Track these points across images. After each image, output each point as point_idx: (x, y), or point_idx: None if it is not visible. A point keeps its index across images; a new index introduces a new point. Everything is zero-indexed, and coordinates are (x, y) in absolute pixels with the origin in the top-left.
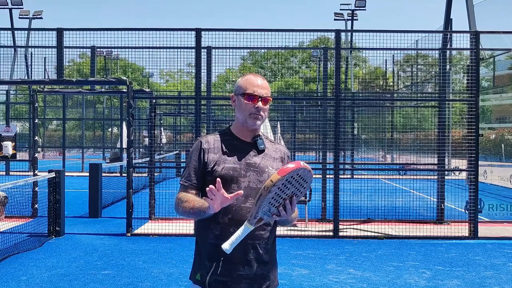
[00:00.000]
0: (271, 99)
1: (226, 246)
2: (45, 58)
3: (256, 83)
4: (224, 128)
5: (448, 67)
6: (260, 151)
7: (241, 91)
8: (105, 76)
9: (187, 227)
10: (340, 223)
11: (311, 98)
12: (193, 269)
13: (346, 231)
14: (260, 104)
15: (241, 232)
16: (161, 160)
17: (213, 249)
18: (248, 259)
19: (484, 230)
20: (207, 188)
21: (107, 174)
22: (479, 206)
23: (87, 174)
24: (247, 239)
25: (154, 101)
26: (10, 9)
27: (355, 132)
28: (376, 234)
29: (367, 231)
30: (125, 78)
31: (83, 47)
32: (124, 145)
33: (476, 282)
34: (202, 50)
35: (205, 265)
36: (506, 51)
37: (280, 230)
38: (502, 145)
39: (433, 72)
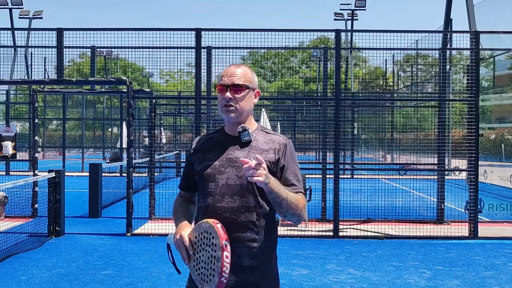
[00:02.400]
0: (244, 87)
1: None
2: (45, 58)
3: (225, 72)
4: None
5: (448, 67)
6: (244, 144)
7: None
8: (105, 76)
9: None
10: (340, 223)
11: (311, 98)
12: None
13: (346, 231)
14: (227, 94)
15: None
16: (161, 160)
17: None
18: None
19: (484, 230)
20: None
21: (107, 174)
22: (479, 206)
23: (87, 174)
24: None
25: (154, 101)
26: (10, 9)
27: (355, 132)
28: (376, 234)
29: (367, 231)
30: (125, 78)
31: (83, 47)
32: (124, 145)
33: (476, 282)
34: (202, 50)
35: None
36: (506, 51)
37: (280, 230)
38: (502, 145)
39: (433, 72)
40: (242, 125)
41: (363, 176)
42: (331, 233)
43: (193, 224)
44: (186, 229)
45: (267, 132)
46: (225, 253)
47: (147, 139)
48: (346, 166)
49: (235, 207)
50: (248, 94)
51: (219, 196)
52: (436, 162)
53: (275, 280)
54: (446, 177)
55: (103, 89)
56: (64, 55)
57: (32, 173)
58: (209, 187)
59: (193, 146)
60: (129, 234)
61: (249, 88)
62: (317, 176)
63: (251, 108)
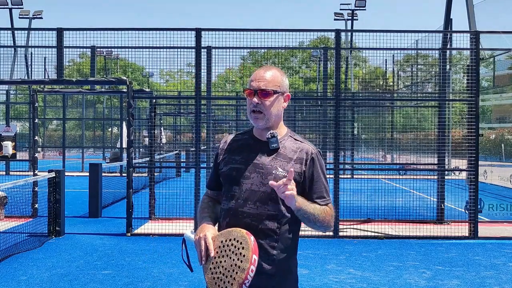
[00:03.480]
0: (272, 92)
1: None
2: (45, 58)
3: (254, 76)
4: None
5: (448, 67)
6: (272, 151)
7: None
8: (105, 76)
9: (187, 227)
10: (340, 223)
11: (311, 98)
12: None
13: (346, 231)
14: (255, 99)
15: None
16: (161, 160)
17: None
18: None
19: (484, 230)
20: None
21: (107, 174)
22: (479, 206)
23: (87, 174)
24: None
25: (154, 101)
26: (10, 9)
27: (355, 132)
28: (376, 234)
29: (367, 231)
30: (125, 78)
31: (83, 47)
32: (124, 145)
33: (476, 282)
34: (202, 50)
35: None
36: (506, 51)
37: None
38: (502, 145)
39: (433, 72)
40: (272, 131)
41: (363, 176)
42: (331, 233)
43: (216, 226)
44: (210, 230)
45: (296, 139)
46: (251, 266)
47: (147, 139)
48: (346, 166)
49: (256, 214)
50: (276, 99)
51: (242, 201)
52: (436, 162)
53: (293, 285)
54: (446, 177)
55: (103, 89)
56: (64, 55)
57: (32, 173)
58: (233, 190)
59: (220, 146)
60: (129, 234)
61: (278, 92)
62: None
63: (279, 113)
